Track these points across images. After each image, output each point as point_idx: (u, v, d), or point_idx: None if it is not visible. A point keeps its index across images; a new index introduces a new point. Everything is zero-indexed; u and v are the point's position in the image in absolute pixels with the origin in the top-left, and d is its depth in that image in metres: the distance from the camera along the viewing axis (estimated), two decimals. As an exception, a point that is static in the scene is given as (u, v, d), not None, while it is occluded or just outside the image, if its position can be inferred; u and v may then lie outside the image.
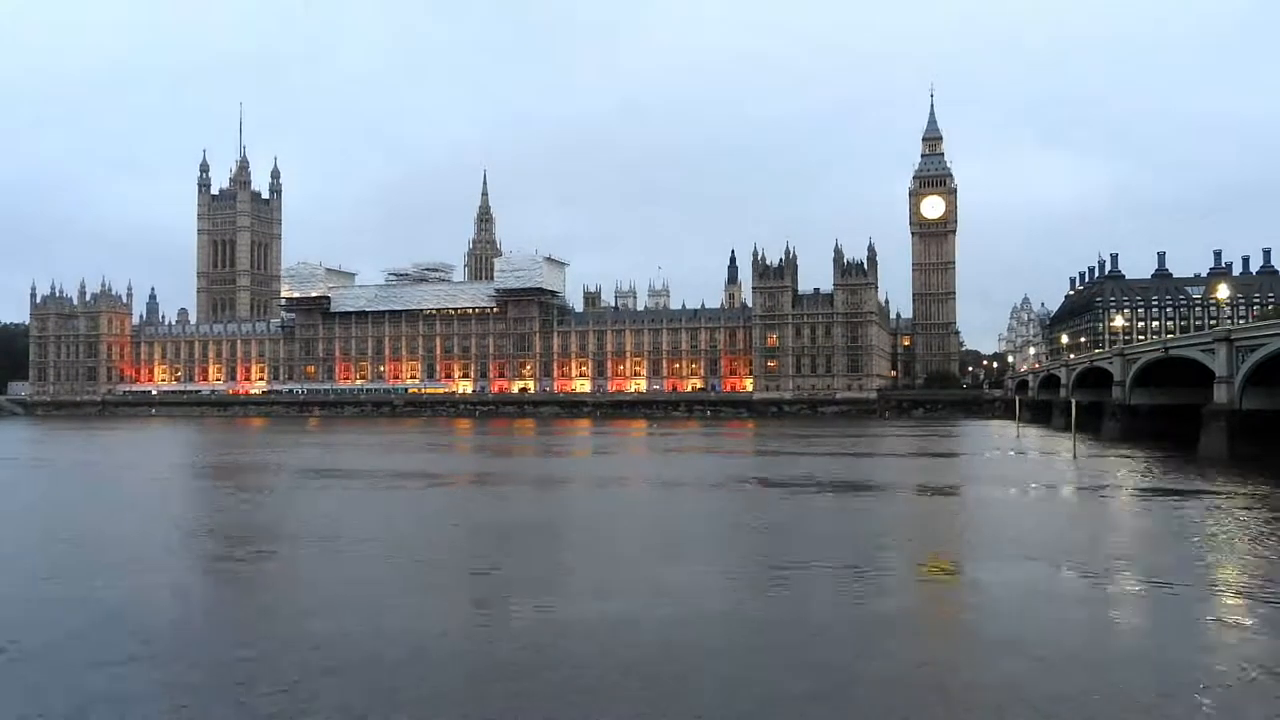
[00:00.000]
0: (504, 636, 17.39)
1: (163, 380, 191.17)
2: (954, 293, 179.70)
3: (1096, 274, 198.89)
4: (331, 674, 14.57)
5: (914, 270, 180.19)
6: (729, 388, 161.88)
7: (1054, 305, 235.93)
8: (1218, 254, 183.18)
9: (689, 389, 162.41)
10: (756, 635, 17.14)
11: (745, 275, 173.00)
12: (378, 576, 22.72)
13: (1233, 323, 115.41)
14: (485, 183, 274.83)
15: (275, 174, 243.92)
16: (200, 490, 46.65)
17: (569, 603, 19.73)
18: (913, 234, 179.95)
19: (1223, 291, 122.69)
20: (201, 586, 22.80)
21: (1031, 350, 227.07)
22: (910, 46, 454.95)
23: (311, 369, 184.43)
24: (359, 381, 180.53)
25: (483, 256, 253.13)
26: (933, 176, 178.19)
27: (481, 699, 13.66)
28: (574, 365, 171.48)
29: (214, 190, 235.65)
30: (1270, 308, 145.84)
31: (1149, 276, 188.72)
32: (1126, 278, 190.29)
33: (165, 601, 20.16)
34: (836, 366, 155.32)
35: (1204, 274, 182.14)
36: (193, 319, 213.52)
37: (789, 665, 15.17)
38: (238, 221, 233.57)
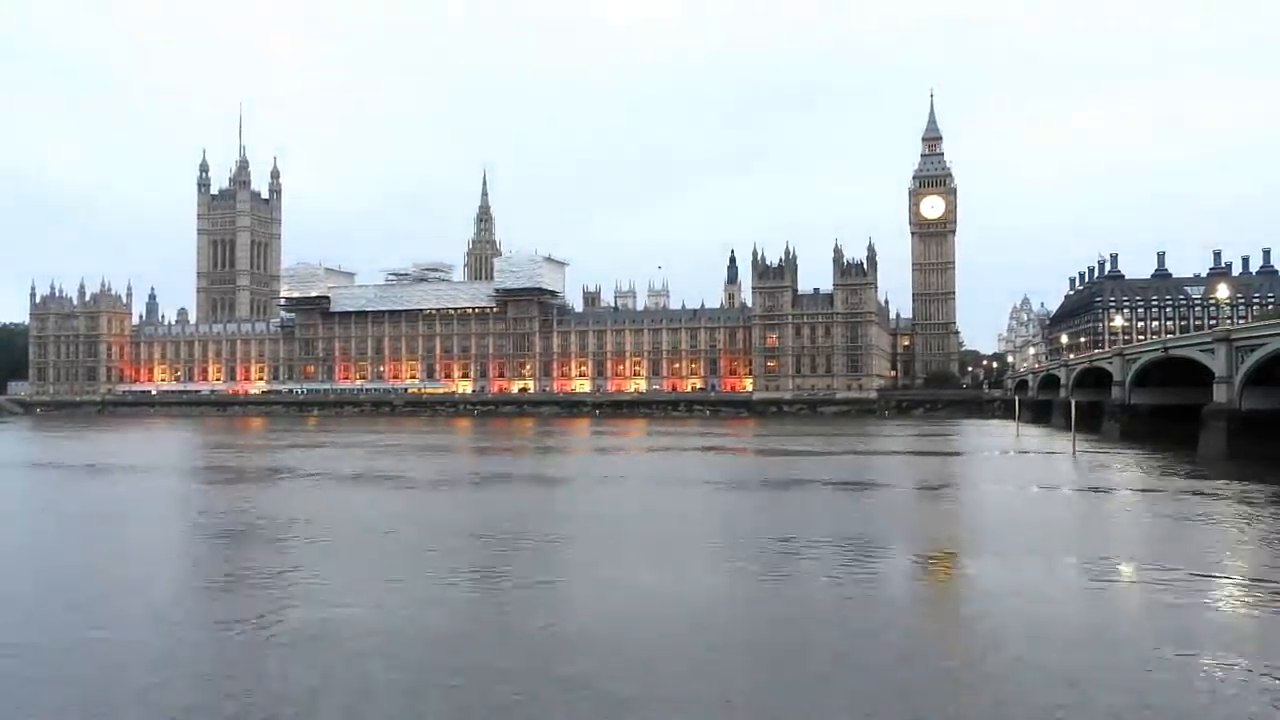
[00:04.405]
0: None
1: (162, 380, 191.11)
2: (954, 293, 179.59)
3: (1096, 274, 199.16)
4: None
5: (914, 270, 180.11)
6: (729, 388, 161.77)
7: (1054, 305, 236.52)
8: (1217, 254, 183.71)
9: (689, 389, 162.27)
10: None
11: (745, 275, 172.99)
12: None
13: (1232, 323, 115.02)
14: (485, 183, 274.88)
15: (275, 174, 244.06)
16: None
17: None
18: (913, 234, 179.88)
19: (1222, 291, 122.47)
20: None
21: (1031, 350, 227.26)
22: (911, 46, 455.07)
23: (311, 369, 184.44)
24: (359, 381, 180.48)
25: (482, 256, 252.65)
26: (933, 176, 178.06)
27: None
28: (574, 365, 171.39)
29: (214, 190, 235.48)
30: (1270, 308, 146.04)
31: (1149, 276, 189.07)
32: (1126, 278, 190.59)
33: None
34: (836, 366, 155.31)
35: (1204, 274, 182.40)
36: (192, 319, 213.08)
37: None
38: (237, 221, 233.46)
